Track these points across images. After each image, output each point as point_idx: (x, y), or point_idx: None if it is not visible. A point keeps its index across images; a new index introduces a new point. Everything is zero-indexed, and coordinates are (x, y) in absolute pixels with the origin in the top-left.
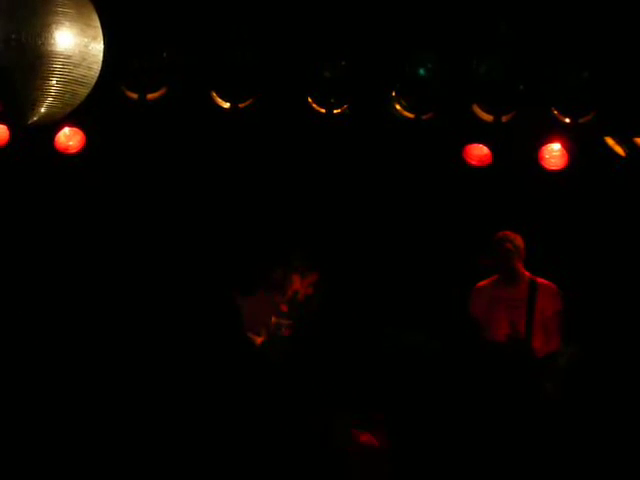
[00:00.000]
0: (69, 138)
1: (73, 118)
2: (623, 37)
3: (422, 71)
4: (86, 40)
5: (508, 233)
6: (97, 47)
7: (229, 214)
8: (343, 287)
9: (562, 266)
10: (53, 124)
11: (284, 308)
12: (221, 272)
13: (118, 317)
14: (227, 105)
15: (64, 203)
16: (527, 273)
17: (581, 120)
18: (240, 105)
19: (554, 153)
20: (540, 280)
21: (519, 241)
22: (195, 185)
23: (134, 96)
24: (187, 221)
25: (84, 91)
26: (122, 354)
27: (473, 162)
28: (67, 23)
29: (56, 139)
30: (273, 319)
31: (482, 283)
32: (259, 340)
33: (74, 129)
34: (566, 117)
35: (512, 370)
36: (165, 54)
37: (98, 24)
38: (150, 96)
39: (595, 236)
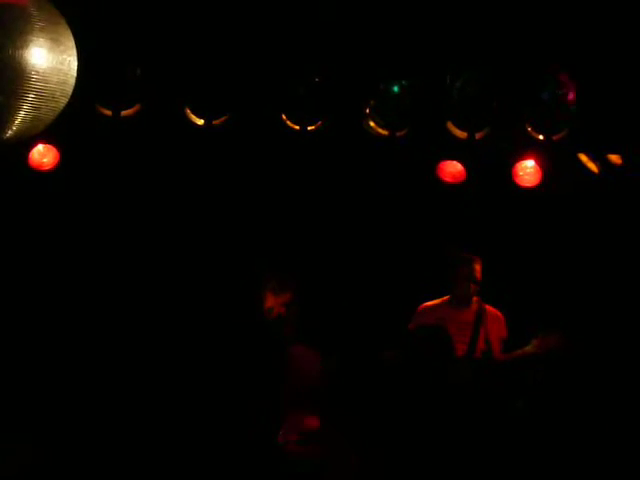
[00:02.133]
0: (43, 155)
1: (47, 135)
2: (597, 54)
3: (396, 88)
4: (60, 57)
5: (471, 255)
6: (71, 64)
7: (203, 230)
8: (315, 307)
9: (534, 282)
10: (27, 141)
11: None
12: (194, 289)
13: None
14: (201, 122)
15: (39, 220)
16: (476, 298)
17: (555, 137)
18: (214, 122)
19: (528, 170)
20: (488, 307)
21: (479, 265)
22: (170, 201)
23: (108, 113)
24: (162, 237)
25: (58, 108)
26: (111, 363)
27: (447, 179)
28: (42, 40)
29: (30, 156)
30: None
31: (429, 303)
32: None
33: (48, 146)
34: (540, 134)
35: (478, 384)
36: (139, 71)
37: (72, 41)
38: (124, 113)
39: (569, 253)
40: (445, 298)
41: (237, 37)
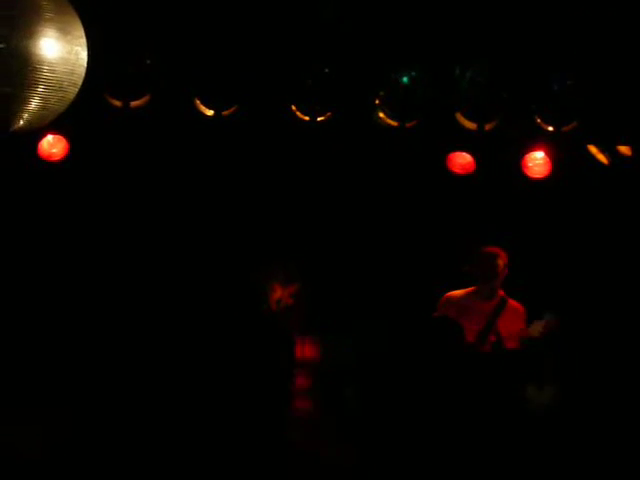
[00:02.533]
0: (52, 145)
1: (56, 125)
2: (606, 45)
3: (406, 79)
4: (70, 47)
5: (500, 250)
6: (81, 54)
7: (212, 222)
8: (324, 298)
9: (545, 274)
10: (37, 131)
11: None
12: (203, 281)
13: (94, 329)
14: (210, 113)
15: (48, 210)
16: (501, 292)
17: (564, 128)
18: (223, 113)
19: (537, 161)
20: (511, 301)
21: (506, 260)
22: (179, 193)
23: (118, 103)
24: (170, 228)
25: (68, 98)
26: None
27: (456, 170)
28: (52, 30)
29: (39, 146)
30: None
31: (454, 293)
32: None
33: (57, 136)
34: (549, 125)
35: (489, 374)
36: (149, 61)
37: (82, 31)
38: (134, 103)
39: (578, 244)
40: (470, 289)
41: (246, 28)
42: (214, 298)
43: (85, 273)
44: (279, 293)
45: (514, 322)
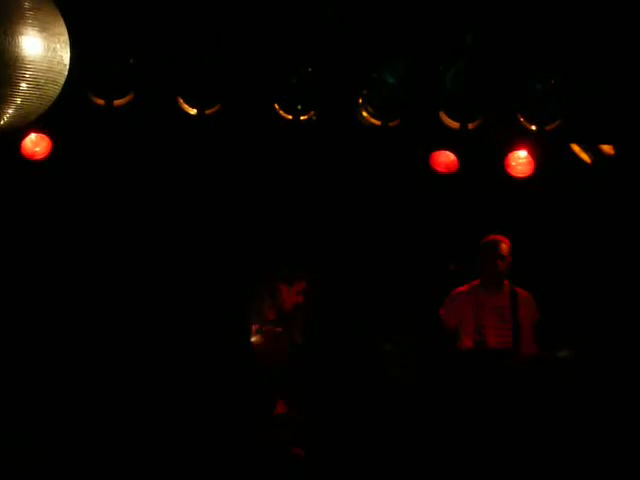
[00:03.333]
0: (35, 144)
1: (40, 124)
2: (589, 44)
3: (389, 78)
4: (53, 45)
5: (502, 237)
6: (64, 52)
7: (195, 221)
8: (328, 293)
9: (528, 273)
10: (19, 130)
11: (271, 316)
12: (186, 282)
13: (75, 329)
14: (194, 111)
15: (31, 209)
16: (506, 281)
17: (547, 127)
18: (207, 111)
19: (520, 160)
20: (519, 290)
21: (507, 245)
22: (162, 191)
23: (101, 102)
24: (154, 227)
25: (51, 96)
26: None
27: (440, 169)
28: (35, 28)
29: (22, 145)
30: (264, 327)
31: (462, 289)
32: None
33: (41, 135)
34: (532, 124)
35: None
36: (132, 60)
37: (65, 29)
38: (117, 102)
39: (562, 243)
40: (475, 282)
41: (229, 26)
42: (195, 298)
43: (69, 272)
44: (285, 294)
45: (530, 311)
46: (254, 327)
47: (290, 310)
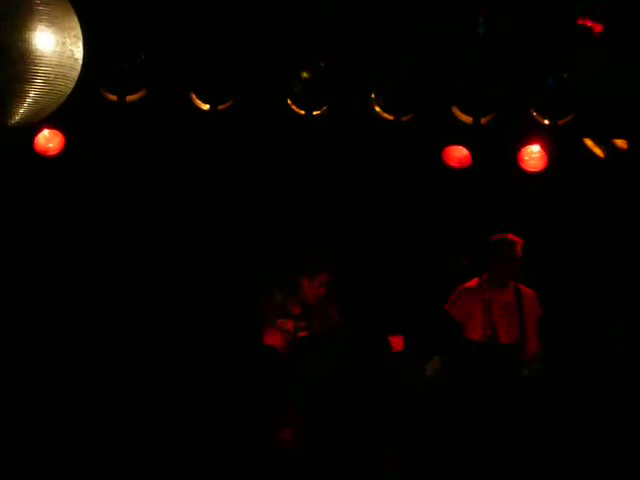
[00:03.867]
0: (49, 140)
1: (52, 120)
2: (601, 38)
3: (402, 72)
4: (66, 41)
5: (516, 237)
6: (77, 49)
7: (209, 216)
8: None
9: (542, 268)
10: (33, 126)
11: (296, 311)
12: (198, 277)
13: (89, 319)
14: (206, 107)
15: (44, 205)
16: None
17: (560, 122)
18: (219, 107)
19: (533, 155)
20: (523, 287)
21: (520, 245)
22: (175, 187)
23: (113, 98)
24: (167, 223)
25: (64, 93)
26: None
27: (452, 163)
28: (48, 24)
29: (36, 141)
30: (289, 323)
31: (468, 285)
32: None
33: (53, 131)
34: (545, 119)
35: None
36: (144, 56)
37: (78, 26)
38: (129, 98)
39: (575, 237)
40: (482, 278)
41: (242, 21)
42: (205, 294)
43: (81, 268)
44: (307, 287)
45: (533, 308)
46: (288, 323)
47: (314, 303)
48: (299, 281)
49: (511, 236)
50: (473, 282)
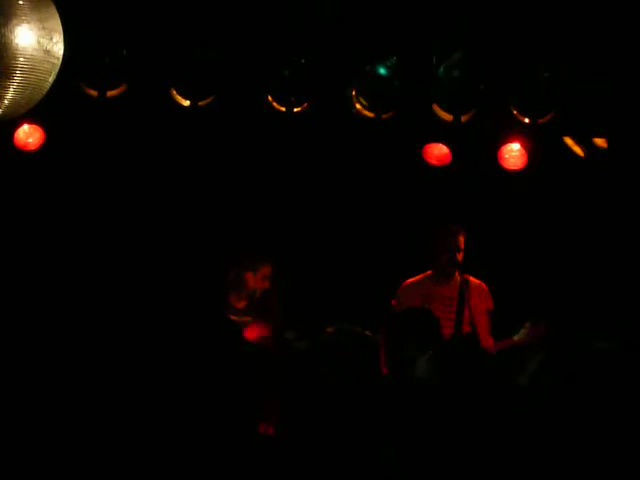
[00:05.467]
0: (28, 135)
1: (33, 115)
2: (583, 37)
3: (382, 70)
4: (47, 36)
5: (453, 226)
6: (57, 44)
7: (188, 212)
8: (299, 277)
9: (518, 265)
10: (12, 121)
11: (240, 305)
12: (175, 271)
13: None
14: (187, 103)
15: (24, 200)
16: (457, 272)
17: (540, 120)
18: (200, 103)
19: (513, 153)
20: (471, 279)
21: (462, 237)
22: (155, 183)
23: (94, 93)
24: (146, 218)
25: (44, 88)
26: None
27: (433, 161)
28: (28, 19)
29: (15, 136)
30: (233, 318)
31: (412, 279)
32: None
33: (33, 126)
34: (525, 117)
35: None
36: (125, 51)
37: (58, 20)
38: (110, 93)
39: (554, 236)
40: (427, 273)
41: (223, 18)
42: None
43: (60, 264)
44: (251, 281)
45: (481, 301)
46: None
47: (259, 296)
48: (243, 275)
49: (452, 226)
50: (417, 277)
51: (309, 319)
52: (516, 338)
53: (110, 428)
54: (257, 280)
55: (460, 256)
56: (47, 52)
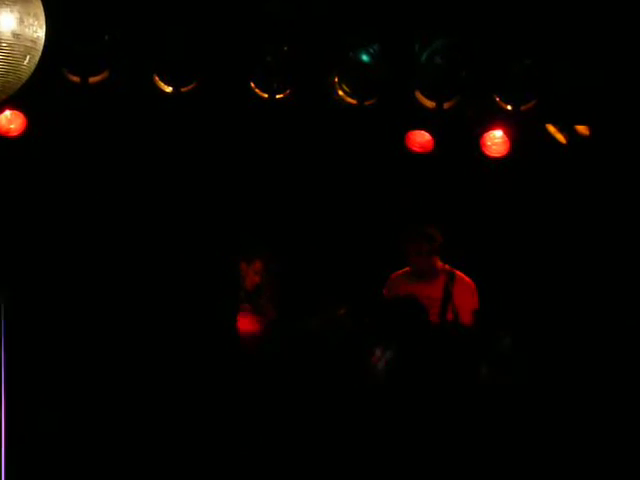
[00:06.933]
0: (10, 121)
1: (14, 101)
2: (564, 25)
3: (365, 57)
4: (28, 21)
5: (423, 230)
6: (39, 29)
7: (170, 198)
8: (289, 271)
9: (500, 253)
10: None
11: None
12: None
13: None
14: (169, 89)
15: (6, 186)
16: (445, 266)
17: (523, 107)
18: (182, 89)
19: (496, 140)
20: (459, 274)
21: (435, 237)
22: (137, 169)
23: (76, 79)
24: (129, 205)
25: (26, 74)
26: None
27: (415, 148)
28: (8, 3)
29: None
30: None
31: (400, 272)
32: None
33: (15, 112)
34: (508, 104)
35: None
36: (107, 37)
37: (40, 5)
38: (92, 79)
39: (536, 223)
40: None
41: (205, 4)
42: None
43: (44, 250)
44: (245, 271)
45: (466, 300)
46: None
47: (251, 289)
48: (239, 265)
49: (412, 230)
50: (405, 269)
51: (296, 309)
52: None
53: (106, 416)
54: (249, 272)
55: (430, 258)
56: (28, 37)
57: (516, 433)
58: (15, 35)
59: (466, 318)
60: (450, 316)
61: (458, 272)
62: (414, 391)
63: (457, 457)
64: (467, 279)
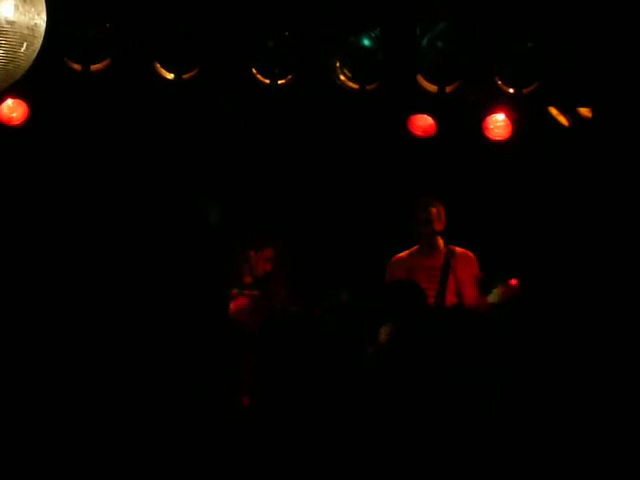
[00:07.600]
0: (12, 110)
1: (16, 89)
2: (567, 7)
3: (366, 41)
4: (29, 10)
5: (430, 198)
6: (40, 16)
7: (174, 185)
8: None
9: (502, 235)
10: None
11: (248, 280)
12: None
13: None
14: (171, 76)
15: (8, 175)
16: (448, 246)
17: (525, 90)
18: (184, 76)
19: (498, 123)
20: (457, 249)
21: (441, 207)
22: (139, 156)
23: (77, 67)
24: (132, 192)
25: (27, 62)
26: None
27: (417, 132)
28: None
29: None
30: (245, 291)
31: (400, 255)
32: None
33: (17, 100)
34: (510, 87)
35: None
36: (108, 25)
37: None
38: (93, 67)
39: (538, 206)
40: (414, 248)
41: None
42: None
43: (42, 238)
44: (254, 260)
45: (467, 268)
46: (233, 292)
47: (261, 276)
48: (248, 252)
49: (420, 197)
50: (405, 252)
51: (299, 294)
52: (490, 299)
53: (100, 405)
54: (259, 260)
55: (435, 226)
56: (30, 25)
57: (516, 426)
58: (9, 22)
59: (469, 286)
60: (452, 295)
61: (457, 247)
62: (411, 376)
63: (458, 447)
64: (465, 250)
